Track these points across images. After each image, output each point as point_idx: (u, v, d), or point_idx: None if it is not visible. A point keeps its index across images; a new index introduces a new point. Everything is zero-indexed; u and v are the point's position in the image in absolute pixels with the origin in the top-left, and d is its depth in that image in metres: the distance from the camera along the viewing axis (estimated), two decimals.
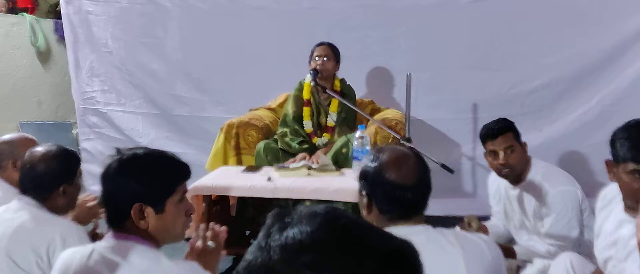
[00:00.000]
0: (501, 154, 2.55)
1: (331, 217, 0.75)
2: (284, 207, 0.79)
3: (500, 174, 2.62)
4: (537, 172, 2.61)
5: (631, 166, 1.72)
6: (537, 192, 2.57)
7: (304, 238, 0.71)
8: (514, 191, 2.70)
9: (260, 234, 0.75)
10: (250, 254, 0.74)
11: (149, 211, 1.59)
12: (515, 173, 2.61)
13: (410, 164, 1.60)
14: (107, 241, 1.60)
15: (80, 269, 1.56)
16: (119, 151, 1.63)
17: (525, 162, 2.63)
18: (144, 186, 1.59)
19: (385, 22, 4.35)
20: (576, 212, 2.50)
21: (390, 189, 1.57)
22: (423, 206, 1.62)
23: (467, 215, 2.66)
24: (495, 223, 2.93)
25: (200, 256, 1.81)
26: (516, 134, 2.60)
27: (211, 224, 1.90)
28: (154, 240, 1.62)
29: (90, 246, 1.63)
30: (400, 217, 1.59)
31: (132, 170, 1.59)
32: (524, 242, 2.73)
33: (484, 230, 2.71)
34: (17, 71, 5.00)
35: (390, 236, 0.78)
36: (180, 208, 1.64)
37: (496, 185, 2.86)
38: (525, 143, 2.64)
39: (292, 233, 0.72)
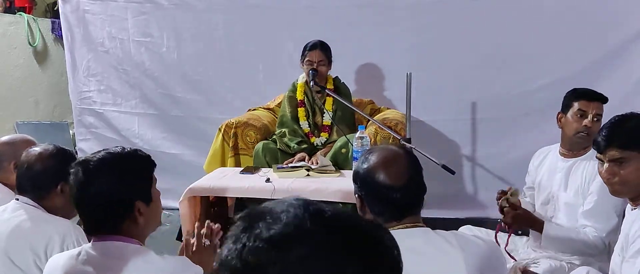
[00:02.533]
0: (590, 117, 2.59)
1: (309, 207, 0.76)
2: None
3: (576, 134, 2.62)
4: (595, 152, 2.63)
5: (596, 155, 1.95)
6: (590, 169, 2.58)
7: (292, 231, 0.71)
8: (565, 163, 2.69)
9: (237, 237, 0.74)
10: (229, 260, 0.73)
11: (142, 205, 1.61)
12: (587, 142, 2.62)
13: (399, 164, 1.58)
14: (94, 243, 1.60)
15: (69, 270, 1.55)
16: (82, 163, 1.61)
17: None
18: (133, 183, 1.61)
19: (384, 20, 4.31)
20: (620, 202, 2.47)
21: (379, 191, 1.56)
22: (415, 207, 1.60)
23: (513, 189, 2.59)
24: (525, 202, 2.90)
25: (196, 254, 1.84)
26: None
27: (207, 222, 1.94)
28: (138, 238, 1.63)
29: (78, 248, 1.63)
30: (392, 218, 1.57)
31: (115, 172, 1.59)
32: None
33: (516, 206, 2.64)
34: (14, 71, 4.98)
35: (358, 217, 0.80)
36: (157, 193, 1.68)
37: (543, 156, 2.86)
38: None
39: (277, 229, 0.71)
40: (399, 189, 1.55)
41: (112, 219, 1.59)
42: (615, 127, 1.92)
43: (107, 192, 1.57)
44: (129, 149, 1.67)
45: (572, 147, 2.68)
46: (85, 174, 1.58)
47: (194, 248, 1.87)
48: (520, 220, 2.49)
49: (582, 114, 2.60)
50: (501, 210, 2.50)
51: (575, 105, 2.63)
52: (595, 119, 2.59)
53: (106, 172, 1.58)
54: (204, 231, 1.91)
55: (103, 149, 1.65)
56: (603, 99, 2.63)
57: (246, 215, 0.77)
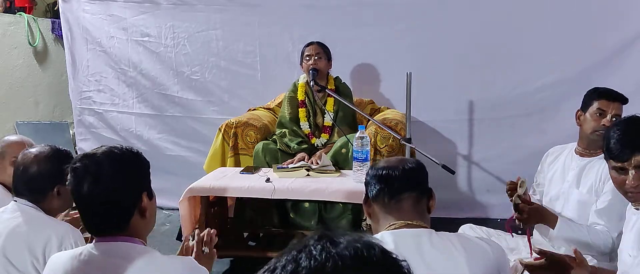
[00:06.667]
0: (608, 117, 2.58)
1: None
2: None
3: (593, 132, 2.61)
4: None
5: (611, 163, 1.91)
6: (605, 168, 2.51)
7: (368, 254, 0.80)
8: (580, 161, 2.68)
9: (313, 245, 0.79)
10: (306, 261, 0.77)
11: (146, 198, 1.60)
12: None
13: (398, 156, 1.70)
14: (97, 244, 1.58)
15: (70, 270, 1.54)
16: (85, 163, 1.56)
17: None
18: (140, 176, 1.61)
19: (384, 20, 4.30)
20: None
21: (375, 172, 1.70)
22: (411, 186, 1.65)
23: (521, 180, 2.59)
24: (534, 198, 2.89)
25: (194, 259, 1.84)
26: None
27: (208, 230, 1.97)
28: (142, 236, 1.62)
29: (80, 248, 1.61)
30: (388, 196, 1.64)
31: (124, 167, 1.58)
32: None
33: (528, 201, 2.64)
34: (14, 71, 4.97)
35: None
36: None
37: (557, 154, 2.85)
38: None
39: (355, 249, 0.79)
40: (393, 167, 1.68)
41: (121, 216, 1.56)
42: (635, 133, 1.86)
43: (118, 188, 1.55)
44: (122, 145, 1.64)
45: (589, 146, 2.67)
46: (92, 173, 1.53)
47: (193, 254, 1.90)
48: (535, 215, 2.48)
49: (601, 113, 2.60)
50: (516, 207, 2.48)
51: (595, 104, 2.62)
52: (613, 119, 2.57)
53: (115, 168, 1.55)
54: (204, 236, 1.93)
55: (98, 147, 1.61)
56: (623, 100, 2.63)
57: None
